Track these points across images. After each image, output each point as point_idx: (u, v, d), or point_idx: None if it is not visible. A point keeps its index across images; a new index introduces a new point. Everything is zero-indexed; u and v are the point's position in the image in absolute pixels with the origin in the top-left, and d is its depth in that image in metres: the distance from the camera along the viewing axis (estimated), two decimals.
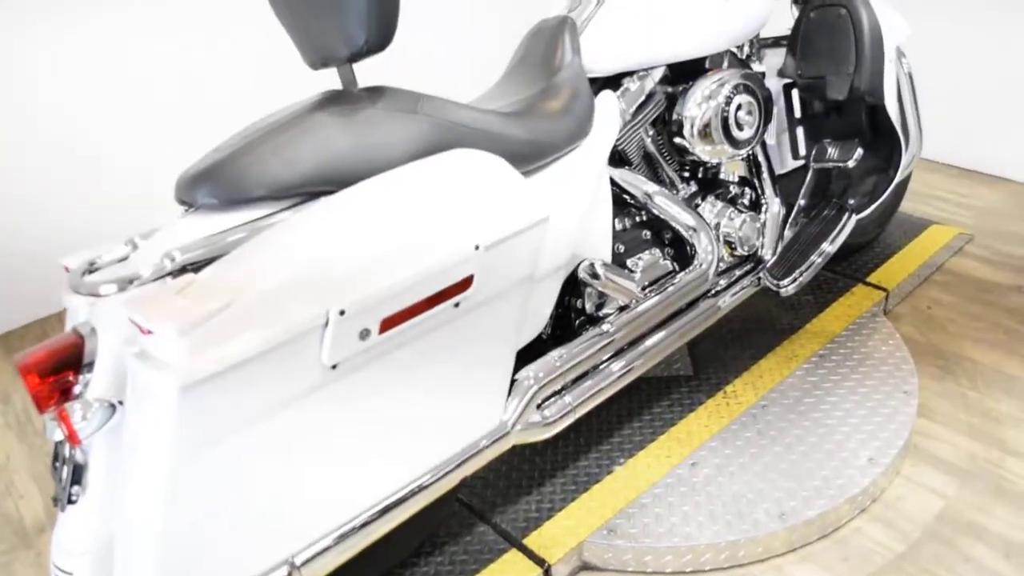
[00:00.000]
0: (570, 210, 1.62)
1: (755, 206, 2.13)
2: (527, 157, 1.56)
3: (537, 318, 1.61)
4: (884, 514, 1.87)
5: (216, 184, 1.21)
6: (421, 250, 1.24)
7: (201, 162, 1.24)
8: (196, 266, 1.16)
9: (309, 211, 1.23)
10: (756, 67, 2.17)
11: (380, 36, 1.30)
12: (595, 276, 1.67)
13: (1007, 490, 1.91)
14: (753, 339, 2.33)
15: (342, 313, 1.15)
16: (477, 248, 1.29)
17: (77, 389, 1.17)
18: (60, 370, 1.16)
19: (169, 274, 1.14)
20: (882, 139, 2.16)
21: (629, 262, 1.86)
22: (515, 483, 1.91)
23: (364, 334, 1.19)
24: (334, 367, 1.19)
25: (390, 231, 1.23)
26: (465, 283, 1.29)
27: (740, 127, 1.91)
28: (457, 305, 1.30)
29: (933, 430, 2.09)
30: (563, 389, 1.69)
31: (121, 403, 1.15)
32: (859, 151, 2.11)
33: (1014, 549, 1.76)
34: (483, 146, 1.45)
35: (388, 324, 1.22)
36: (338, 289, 1.16)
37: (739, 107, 1.90)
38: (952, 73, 3.43)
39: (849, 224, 2.17)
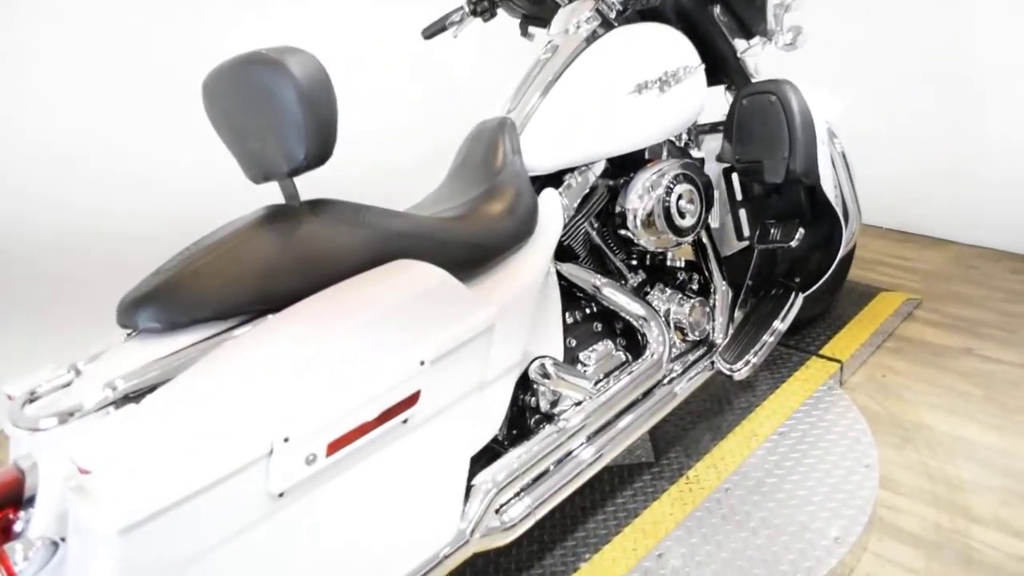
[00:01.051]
0: (518, 310, 1.62)
1: (704, 290, 2.16)
2: (472, 261, 1.57)
3: (491, 421, 1.60)
4: None
5: (157, 308, 1.20)
6: (365, 369, 1.23)
7: (142, 285, 1.23)
8: (138, 394, 1.14)
9: (249, 335, 1.22)
10: (695, 153, 2.22)
11: (319, 152, 1.31)
12: (546, 375, 1.67)
13: (975, 560, 1.90)
14: (713, 420, 2.33)
15: (287, 440, 1.13)
16: (422, 363, 1.28)
17: (18, 527, 1.14)
18: (0, 508, 1.13)
19: (111, 404, 1.12)
20: (822, 217, 2.20)
21: (582, 355, 1.86)
22: None
23: (310, 459, 1.17)
24: (281, 495, 1.16)
25: (332, 351, 1.22)
26: (412, 399, 1.28)
27: (682, 215, 1.94)
28: (405, 421, 1.29)
29: (897, 502, 2.09)
30: (522, 490, 1.66)
31: (64, 540, 1.11)
32: (800, 231, 2.15)
33: None
34: (427, 253, 1.45)
35: (335, 447, 1.20)
36: (281, 415, 1.14)
37: (680, 196, 1.93)
38: (892, 140, 3.53)
39: (797, 303, 2.20)
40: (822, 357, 2.59)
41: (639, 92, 1.90)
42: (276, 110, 1.26)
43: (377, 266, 1.39)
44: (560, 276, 1.87)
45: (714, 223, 2.22)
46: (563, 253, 1.90)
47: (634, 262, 2.07)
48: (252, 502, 1.13)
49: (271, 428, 1.13)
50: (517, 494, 1.65)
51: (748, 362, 2.08)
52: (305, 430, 1.14)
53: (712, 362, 2.07)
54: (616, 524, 2.01)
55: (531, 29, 2.55)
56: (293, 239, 1.31)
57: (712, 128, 2.27)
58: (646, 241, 1.94)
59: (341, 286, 1.32)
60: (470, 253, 1.56)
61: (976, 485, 2.13)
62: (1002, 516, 2.02)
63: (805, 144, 2.04)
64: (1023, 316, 2.88)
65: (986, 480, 2.14)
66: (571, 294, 1.90)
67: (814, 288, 2.24)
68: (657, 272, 2.09)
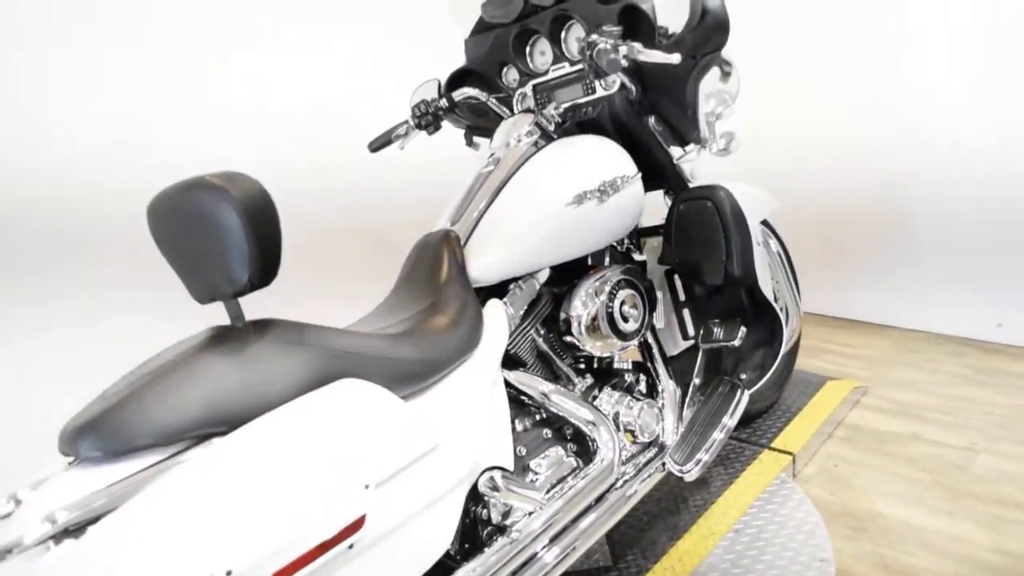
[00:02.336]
0: (466, 422, 1.63)
1: (652, 391, 2.19)
2: (417, 376, 1.58)
3: (441, 536, 1.58)
4: None
5: (99, 436, 1.18)
6: (308, 496, 1.23)
7: (84, 412, 1.22)
8: (79, 526, 1.12)
9: (190, 465, 1.21)
10: (638, 256, 2.28)
11: (263, 274, 1.33)
12: (496, 488, 1.67)
13: None
14: (669, 520, 2.33)
15: (229, 574, 1.12)
16: (366, 488, 1.28)
17: None
18: None
19: (52, 537, 1.09)
20: (763, 316, 2.26)
21: (532, 463, 1.87)
22: None
23: None
24: None
25: (274, 479, 1.22)
26: (357, 524, 1.27)
27: (626, 320, 1.98)
28: (351, 546, 1.28)
29: None
30: None
31: None
32: (742, 330, 2.20)
33: None
34: (372, 371, 1.46)
35: None
36: (223, 548, 1.13)
37: (623, 301, 1.98)
38: (830, 230, 3.65)
39: (743, 400, 2.23)
40: (774, 450, 2.61)
41: (578, 203, 1.96)
42: (220, 235, 1.28)
43: (322, 385, 1.39)
44: (508, 384, 1.88)
45: (659, 323, 2.27)
46: (510, 361, 1.92)
47: (582, 366, 2.10)
48: None
49: (213, 561, 1.11)
50: None
51: (698, 461, 2.10)
52: (248, 563, 1.13)
53: (663, 463, 2.09)
54: None
55: (476, 139, 2.63)
56: (237, 362, 1.31)
57: (653, 231, 2.34)
58: (591, 346, 1.97)
59: (284, 409, 1.32)
60: (415, 369, 1.57)
61: (931, 573, 2.14)
62: None
63: (741, 247, 2.11)
64: (964, 399, 2.96)
65: (940, 567, 2.15)
66: (520, 402, 1.92)
67: (759, 386, 2.28)
68: (605, 375, 2.12)
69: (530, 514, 1.75)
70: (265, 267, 1.33)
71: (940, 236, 3.43)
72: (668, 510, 2.38)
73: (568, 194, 1.95)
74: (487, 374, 1.73)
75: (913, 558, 2.20)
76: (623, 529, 2.32)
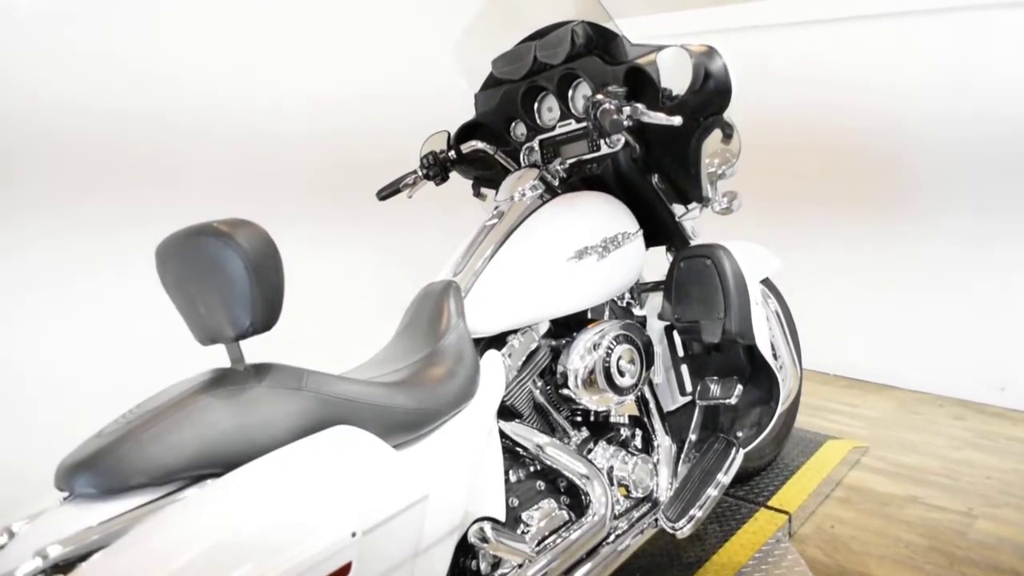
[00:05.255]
0: (458, 473, 1.65)
1: (647, 446, 2.20)
2: (413, 425, 1.60)
3: None
4: None
5: (95, 473, 1.21)
6: (296, 540, 1.25)
7: (81, 449, 1.24)
8: (70, 562, 1.14)
9: (182, 506, 1.23)
10: (637, 311, 2.31)
11: (264, 319, 1.36)
12: (485, 539, 1.68)
13: None
14: None
15: None
16: (354, 535, 1.30)
17: None
18: None
19: (43, 572, 1.12)
20: (761, 374, 2.27)
21: (524, 515, 1.88)
22: None
23: None
24: None
25: (264, 522, 1.24)
26: (343, 571, 1.29)
27: (622, 374, 2.00)
28: None
29: None
30: None
31: None
32: (739, 388, 2.22)
33: None
34: (368, 419, 1.49)
35: None
36: None
37: (620, 356, 2.00)
38: (836, 291, 3.68)
39: (738, 458, 2.24)
40: (770, 508, 2.61)
41: (579, 258, 1.99)
42: (224, 280, 1.32)
43: (317, 431, 1.42)
44: (503, 435, 1.90)
45: (657, 379, 2.28)
46: (507, 412, 1.94)
47: (578, 419, 2.11)
48: None
49: None
50: None
51: (691, 518, 2.10)
52: None
53: (656, 519, 2.09)
54: None
55: (483, 190, 2.68)
56: (235, 405, 1.34)
57: (654, 287, 2.36)
58: (588, 400, 1.99)
59: (278, 454, 1.34)
60: (410, 418, 1.60)
61: None
62: None
63: (739, 306, 2.14)
64: (964, 462, 2.95)
65: None
66: (515, 453, 1.94)
67: (755, 444, 2.29)
68: (600, 429, 2.13)
69: (520, 566, 1.76)
70: (267, 312, 1.36)
71: (940, 298, 3.45)
72: (661, 566, 2.37)
73: (570, 249, 1.99)
74: (482, 425, 1.75)
75: None
76: None
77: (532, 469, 1.95)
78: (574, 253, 1.99)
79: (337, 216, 3.72)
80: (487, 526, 1.69)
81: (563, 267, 1.97)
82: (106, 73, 2.97)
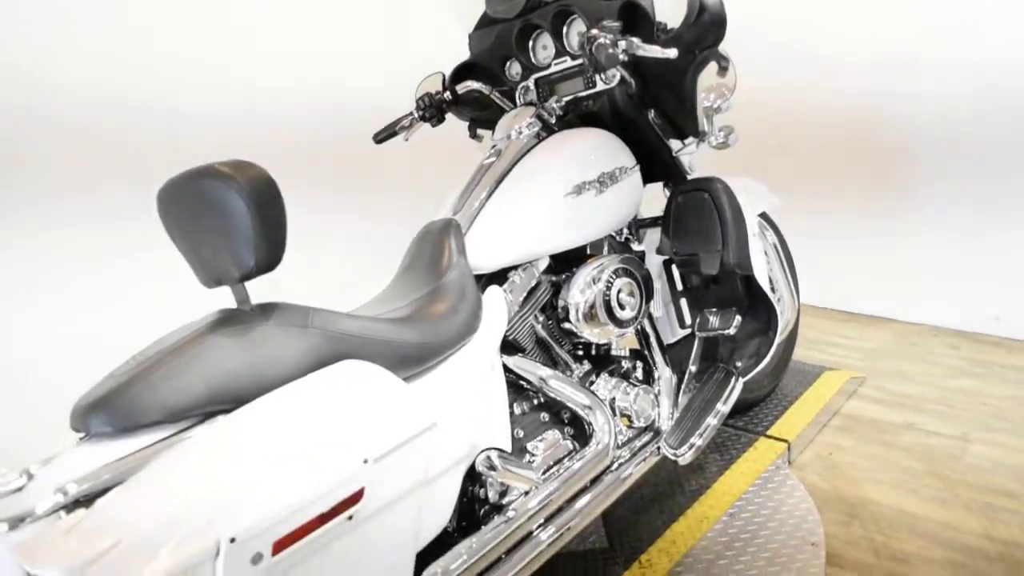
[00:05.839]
0: (464, 405, 1.69)
1: (648, 378, 2.24)
2: (418, 359, 1.64)
3: (439, 513, 1.64)
4: None
5: (109, 412, 1.24)
6: (309, 469, 1.29)
7: (95, 390, 1.28)
8: (89, 498, 1.18)
9: (197, 439, 1.27)
10: (636, 247, 2.33)
11: (268, 259, 1.38)
12: (492, 467, 1.73)
13: None
14: (665, 503, 2.39)
15: (232, 541, 1.17)
16: (365, 462, 1.34)
17: None
18: None
19: (63, 508, 1.16)
20: (759, 305, 2.31)
21: (529, 445, 1.92)
22: None
23: (257, 558, 1.21)
24: None
25: (276, 452, 1.28)
26: (356, 497, 1.33)
27: (622, 307, 2.04)
28: (350, 518, 1.34)
29: None
30: None
31: None
32: (738, 318, 2.25)
33: None
34: (373, 354, 1.53)
35: (281, 546, 1.24)
36: (228, 516, 1.19)
37: (619, 289, 2.03)
38: (834, 226, 3.70)
39: (737, 387, 2.28)
40: (770, 438, 2.67)
41: (577, 193, 2.01)
42: (227, 221, 1.34)
43: (324, 367, 1.45)
44: (507, 369, 1.94)
45: (656, 312, 2.32)
46: (509, 347, 1.98)
47: (580, 353, 2.15)
48: None
49: (218, 528, 1.17)
50: None
51: (692, 446, 2.15)
52: (251, 530, 1.19)
53: (658, 447, 2.14)
54: None
55: (479, 131, 2.69)
56: (243, 343, 1.38)
57: (652, 222, 2.39)
58: (589, 333, 2.03)
59: (288, 388, 1.38)
60: (415, 352, 1.63)
61: (920, 558, 2.19)
62: None
63: (737, 238, 2.16)
64: (960, 390, 3.00)
65: (930, 553, 2.20)
66: (519, 386, 1.98)
67: (753, 373, 2.33)
68: (602, 362, 2.17)
69: (526, 494, 1.81)
70: (271, 252, 1.38)
71: (939, 229, 3.47)
72: (664, 494, 2.43)
73: (568, 184, 2.00)
74: (485, 358, 1.79)
75: (903, 544, 2.25)
76: (620, 512, 2.37)
77: (536, 402, 2.00)
78: (572, 188, 2.01)
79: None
80: (494, 455, 1.74)
81: (561, 202, 1.99)
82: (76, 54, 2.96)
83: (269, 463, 1.27)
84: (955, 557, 2.18)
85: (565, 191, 2.00)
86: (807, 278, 3.00)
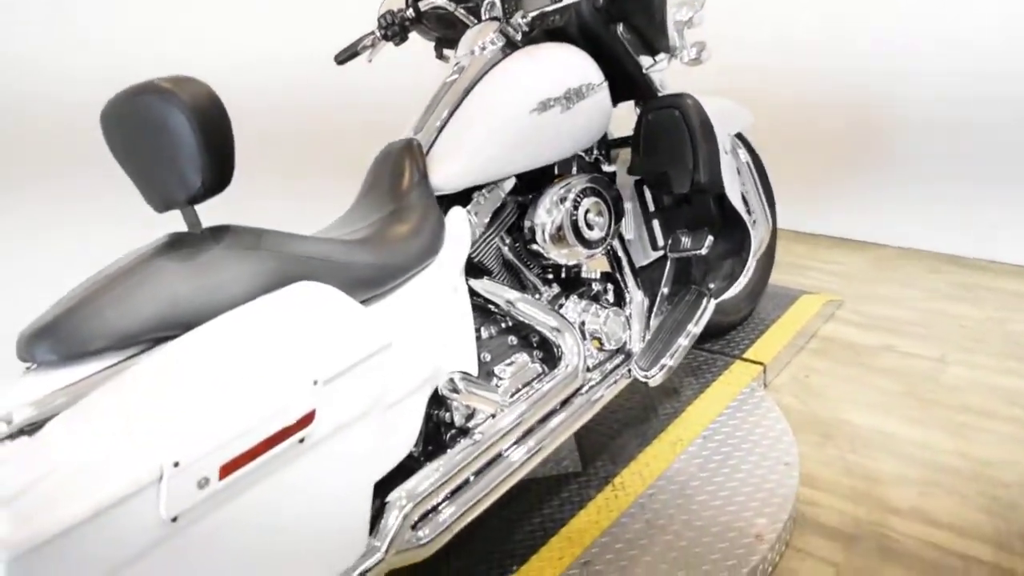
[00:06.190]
0: (424, 328, 1.65)
1: (620, 300, 2.20)
2: (375, 281, 1.59)
3: (403, 438, 1.61)
4: None
5: (55, 340, 1.20)
6: (256, 391, 1.25)
7: (41, 318, 1.23)
8: (33, 427, 1.14)
9: (142, 364, 1.23)
10: (607, 167, 2.27)
11: (216, 179, 1.32)
12: (456, 390, 1.69)
13: (892, 550, 1.95)
14: (639, 427, 2.37)
15: (176, 465, 1.14)
16: (315, 383, 1.30)
17: None
18: None
19: (7, 437, 1.12)
20: (732, 225, 2.26)
21: (497, 369, 1.89)
22: None
23: (203, 483, 1.17)
24: (175, 519, 1.17)
25: (224, 376, 1.24)
26: (306, 419, 1.29)
27: (591, 228, 1.99)
28: (302, 441, 1.30)
29: (817, 497, 2.13)
30: (439, 505, 1.68)
31: None
32: (710, 239, 2.21)
33: None
34: (329, 276, 1.47)
35: (228, 470, 1.21)
36: (171, 440, 1.15)
37: (587, 210, 1.98)
38: (811, 146, 3.63)
39: (709, 307, 2.24)
40: (746, 360, 2.64)
41: (542, 110, 1.94)
42: (170, 140, 1.27)
43: (277, 290, 1.40)
44: (473, 293, 1.90)
45: (628, 234, 2.26)
46: (476, 270, 1.93)
47: (549, 276, 2.11)
48: (146, 528, 1.14)
49: (161, 453, 1.13)
50: (434, 508, 1.67)
51: (663, 367, 2.12)
52: (195, 454, 1.15)
53: (629, 369, 2.11)
54: (543, 534, 2.03)
55: (446, 52, 2.59)
56: (193, 267, 1.32)
57: (623, 142, 2.32)
58: (556, 254, 1.98)
59: (237, 311, 1.33)
60: (371, 274, 1.58)
61: (894, 477, 2.18)
62: (920, 506, 2.07)
63: (707, 155, 2.10)
64: (940, 312, 2.98)
65: (904, 472, 2.20)
66: (486, 310, 1.93)
67: (726, 295, 2.29)
68: (572, 284, 2.13)
69: (492, 416, 1.78)
70: (218, 172, 1.32)
71: (920, 152, 3.42)
72: (638, 418, 2.41)
73: (532, 101, 1.93)
74: (447, 281, 1.74)
75: (877, 463, 2.24)
76: (593, 436, 2.36)
77: (504, 325, 1.95)
78: (536, 105, 1.93)
79: None
80: (458, 377, 1.70)
81: (526, 120, 1.92)
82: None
83: (216, 387, 1.23)
84: (929, 476, 2.17)
85: (530, 108, 1.93)
86: (786, 201, 2.95)
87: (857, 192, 3.61)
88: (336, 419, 1.35)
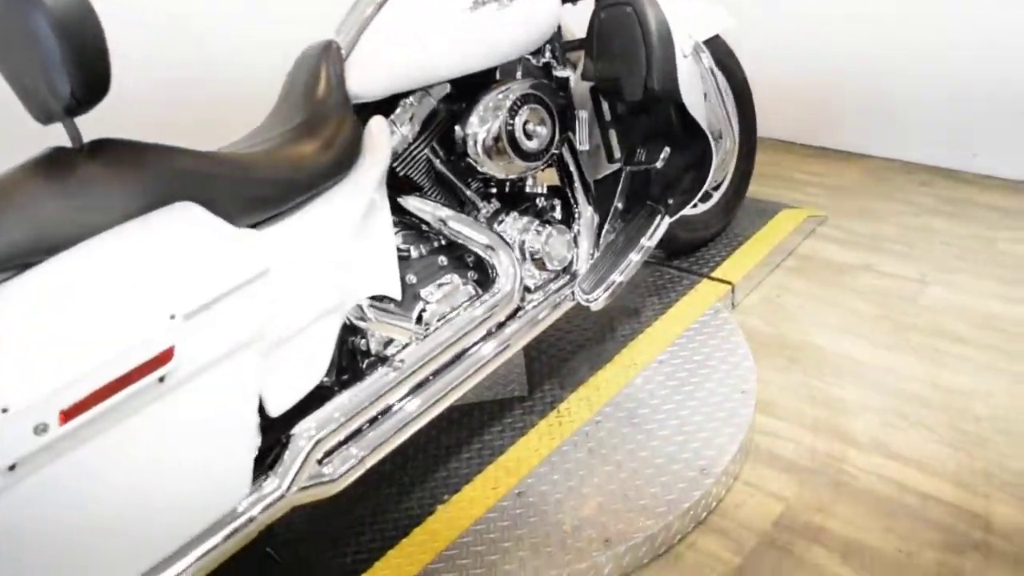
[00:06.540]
0: (332, 248, 1.51)
1: (569, 217, 2.05)
2: (276, 199, 1.45)
3: (309, 368, 1.50)
4: (720, 524, 1.80)
5: None
6: (103, 328, 1.13)
7: None
8: None
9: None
10: (560, 72, 2.07)
11: (87, 88, 1.18)
12: (363, 318, 1.57)
13: (847, 485, 1.85)
14: (593, 350, 2.25)
15: (5, 411, 1.03)
16: (172, 318, 1.17)
17: None
18: None
19: None
20: (693, 136, 2.08)
21: (423, 291, 1.75)
22: (332, 535, 1.80)
23: (41, 429, 1.06)
24: (12, 468, 1.06)
25: (67, 310, 1.11)
26: (164, 357, 1.17)
27: (530, 138, 1.82)
28: (162, 379, 1.18)
29: (775, 427, 2.03)
30: (349, 439, 1.58)
31: None
32: (666, 151, 2.04)
33: (852, 549, 1.69)
34: (219, 194, 1.33)
35: (71, 414, 1.09)
36: (2, 384, 1.04)
37: (526, 119, 1.81)
38: (801, 53, 3.41)
39: (662, 225, 2.09)
40: (713, 279, 2.50)
41: (476, 6, 1.75)
42: (35, 46, 1.13)
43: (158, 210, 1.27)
44: (401, 210, 1.76)
45: (582, 146, 2.08)
46: (405, 185, 1.78)
47: (492, 191, 1.95)
48: None
49: None
50: (344, 442, 1.57)
51: (607, 288, 1.98)
52: (25, 399, 1.04)
53: (572, 292, 1.98)
54: (479, 463, 1.94)
55: None
56: (66, 186, 1.19)
57: (579, 45, 2.12)
58: (491, 168, 1.82)
59: (97, 239, 1.20)
60: (273, 191, 1.44)
61: (858, 406, 2.07)
62: (880, 438, 1.96)
63: (662, 59, 1.91)
64: (924, 229, 2.81)
65: (870, 401, 2.08)
66: (416, 228, 1.80)
67: (683, 212, 2.13)
68: (515, 200, 1.97)
69: (411, 343, 1.66)
70: (91, 81, 1.18)
71: (916, 60, 3.17)
72: (594, 340, 2.29)
73: None
74: (362, 198, 1.59)
75: (842, 391, 2.13)
76: (544, 359, 2.25)
77: (434, 244, 1.81)
78: (469, 2, 1.74)
79: None
80: (365, 304, 1.57)
81: (457, 18, 1.74)
82: None
83: (58, 324, 1.10)
84: (896, 405, 2.06)
85: (461, 5, 1.74)
86: (771, 110, 2.76)
87: (848, 101, 3.38)
88: (204, 355, 1.23)
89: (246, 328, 1.28)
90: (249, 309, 1.27)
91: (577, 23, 2.17)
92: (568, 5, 2.05)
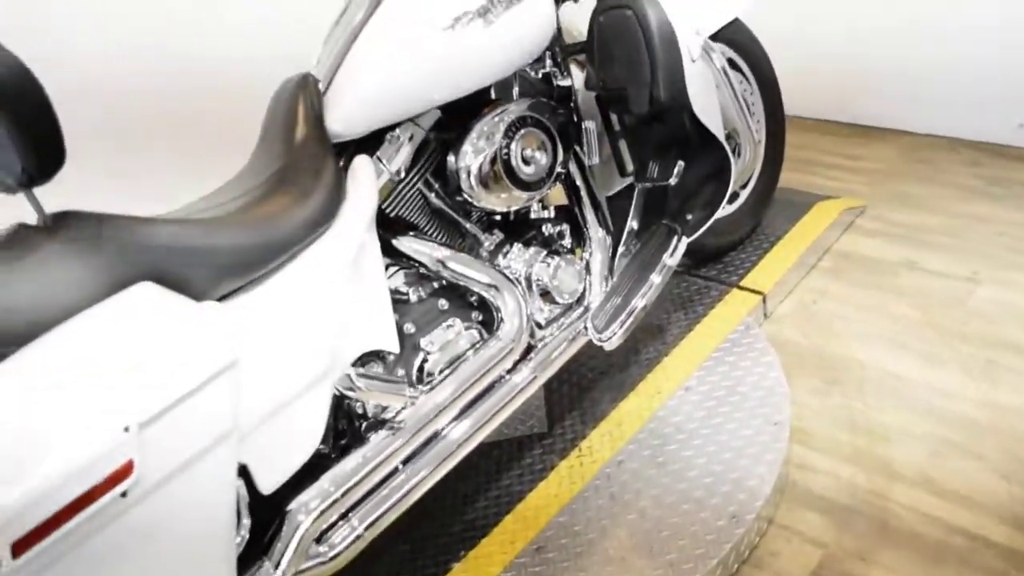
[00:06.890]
0: (317, 309, 1.38)
1: (579, 241, 1.90)
2: (249, 265, 1.32)
3: (298, 443, 1.38)
4: None
5: None
6: (52, 446, 1.01)
7: None
8: None
9: None
10: (561, 81, 1.90)
11: (41, 162, 1.06)
12: (353, 388, 1.45)
13: (892, 527, 1.70)
14: (615, 377, 2.11)
15: None
16: (127, 430, 1.05)
17: None
18: None
19: None
20: (710, 146, 1.91)
21: (423, 340, 1.62)
22: None
23: None
24: None
25: (10, 428, 1.00)
26: (123, 472, 1.05)
27: (528, 164, 1.67)
28: (124, 495, 1.07)
29: (811, 460, 1.88)
30: (350, 511, 1.46)
31: None
32: (680, 165, 1.87)
33: None
34: (188, 267, 1.21)
35: (24, 545, 0.99)
36: None
37: (522, 145, 1.66)
38: (836, 26, 3.18)
39: (679, 248, 1.92)
40: (743, 289, 2.33)
41: (456, 26, 1.58)
42: None
43: (121, 290, 1.15)
44: (396, 252, 1.62)
45: (591, 160, 1.92)
46: (398, 225, 1.65)
47: (496, 218, 1.81)
48: None
49: None
50: (344, 515, 1.46)
51: (622, 324, 1.84)
52: None
53: (586, 328, 1.83)
54: (496, 513, 1.83)
55: None
56: (25, 267, 1.08)
57: (582, 48, 1.94)
58: (489, 202, 1.67)
59: (54, 333, 1.08)
60: (247, 256, 1.31)
61: (902, 432, 1.91)
62: (926, 470, 1.81)
63: (667, 66, 1.74)
64: (973, 216, 2.60)
65: (914, 426, 1.92)
66: (413, 271, 1.66)
67: (701, 231, 1.96)
68: (519, 229, 1.83)
69: (409, 405, 1.54)
70: (40, 155, 1.06)
71: (960, 25, 2.93)
72: (616, 366, 2.15)
73: (443, 17, 1.57)
74: (348, 248, 1.46)
75: (883, 414, 1.97)
76: (564, 389, 2.11)
77: (434, 287, 1.68)
78: (449, 21, 1.57)
79: None
80: (354, 373, 1.44)
81: (438, 41, 1.57)
82: None
83: (5, 442, 0.99)
84: (943, 432, 1.90)
85: (442, 25, 1.57)
86: (800, 85, 2.54)
87: (885, 71, 3.14)
88: (168, 461, 1.11)
89: (215, 426, 1.16)
90: (216, 405, 1.15)
91: (583, 22, 1.98)
92: (569, 4, 1.87)
